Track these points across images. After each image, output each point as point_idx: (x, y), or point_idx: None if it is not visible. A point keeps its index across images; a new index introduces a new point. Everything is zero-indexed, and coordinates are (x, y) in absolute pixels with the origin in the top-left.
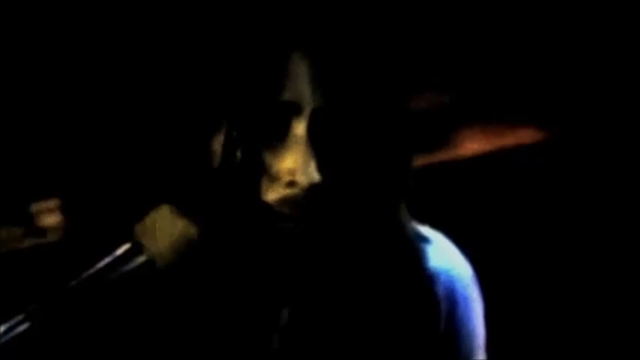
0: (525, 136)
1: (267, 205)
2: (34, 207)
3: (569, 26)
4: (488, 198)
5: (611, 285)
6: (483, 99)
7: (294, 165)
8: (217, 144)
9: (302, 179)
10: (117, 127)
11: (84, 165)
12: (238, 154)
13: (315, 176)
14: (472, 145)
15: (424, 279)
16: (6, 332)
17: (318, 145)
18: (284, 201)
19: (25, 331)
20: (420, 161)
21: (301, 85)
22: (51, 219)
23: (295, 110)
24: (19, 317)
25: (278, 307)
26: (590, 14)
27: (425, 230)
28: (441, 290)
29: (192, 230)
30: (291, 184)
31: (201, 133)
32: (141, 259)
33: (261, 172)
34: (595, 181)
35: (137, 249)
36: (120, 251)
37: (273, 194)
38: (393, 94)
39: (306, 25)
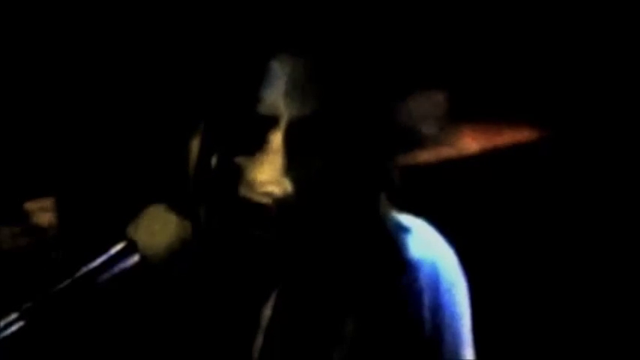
0: (523, 134)
1: (241, 213)
2: (30, 206)
3: (567, 25)
4: (486, 197)
5: (609, 284)
6: (481, 97)
7: (269, 175)
8: (194, 149)
9: (276, 190)
10: (111, 126)
11: (79, 164)
12: (213, 162)
13: (288, 187)
14: (469, 143)
15: (405, 269)
16: (0, 330)
17: (295, 148)
18: (259, 209)
19: (19, 329)
20: (416, 160)
21: (277, 97)
22: (46, 218)
23: (270, 122)
24: (14, 316)
25: (260, 307)
26: (588, 12)
27: (406, 220)
28: (423, 279)
29: (187, 229)
30: (265, 194)
31: (179, 138)
32: (135, 257)
33: (236, 181)
34: (594, 180)
35: (131, 248)
36: (114, 250)
37: (247, 203)
38: (372, 96)
39: (283, 37)
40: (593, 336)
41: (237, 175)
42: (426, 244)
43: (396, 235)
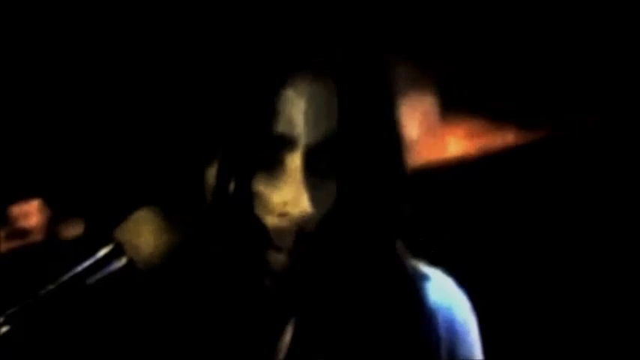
0: (511, 137)
1: (258, 235)
2: (16, 208)
3: (559, 25)
4: (473, 203)
5: (606, 289)
6: (470, 99)
7: (287, 196)
8: (211, 172)
9: (294, 211)
10: (101, 127)
11: (66, 166)
12: (231, 184)
13: (307, 209)
14: (455, 147)
15: (425, 317)
16: None
17: (315, 177)
18: (275, 232)
19: (3, 334)
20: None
21: (295, 117)
22: (33, 220)
23: (289, 143)
24: None
25: (278, 332)
26: (580, 13)
27: (422, 266)
28: (441, 327)
29: (177, 234)
30: (283, 215)
31: (183, 146)
32: (122, 261)
33: (254, 203)
34: (585, 184)
35: (119, 251)
36: (101, 253)
37: (263, 225)
38: (390, 120)
39: (299, 58)
40: (594, 341)
41: (254, 199)
42: (443, 291)
43: (414, 280)
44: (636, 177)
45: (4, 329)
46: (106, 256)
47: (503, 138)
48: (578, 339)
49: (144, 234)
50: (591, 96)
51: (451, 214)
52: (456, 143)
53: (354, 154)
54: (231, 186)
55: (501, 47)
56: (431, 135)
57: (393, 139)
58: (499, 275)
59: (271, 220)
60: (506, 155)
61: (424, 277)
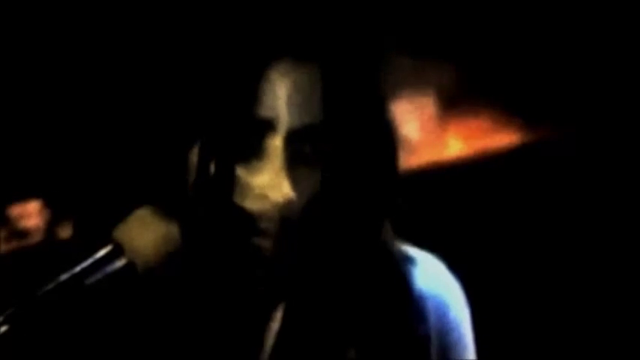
0: (511, 137)
1: (240, 219)
2: (16, 209)
3: (556, 24)
4: (473, 204)
5: (602, 290)
6: (468, 98)
7: (268, 180)
8: (193, 155)
9: (275, 195)
10: (98, 128)
11: (65, 167)
12: (212, 167)
13: (289, 193)
14: (455, 148)
15: (413, 303)
16: None
17: (298, 162)
18: (257, 216)
19: (4, 334)
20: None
21: (277, 101)
22: (32, 221)
23: (270, 127)
24: None
25: (266, 320)
26: (580, 12)
27: (412, 251)
28: (431, 314)
29: (175, 233)
30: (263, 199)
31: (177, 143)
32: (121, 261)
33: (235, 186)
34: (584, 185)
35: (118, 251)
36: (100, 253)
37: (243, 209)
38: (377, 108)
39: (284, 42)
40: (591, 339)
41: (234, 183)
42: (432, 276)
43: (402, 266)
44: (637, 177)
45: (4, 329)
46: (105, 256)
47: (503, 138)
48: (574, 338)
49: (143, 234)
50: (592, 96)
51: (450, 214)
52: (455, 143)
53: (340, 140)
54: (212, 169)
55: (501, 47)
56: (431, 135)
57: (380, 126)
58: (501, 275)
59: (252, 204)
60: (505, 156)
61: (413, 263)
